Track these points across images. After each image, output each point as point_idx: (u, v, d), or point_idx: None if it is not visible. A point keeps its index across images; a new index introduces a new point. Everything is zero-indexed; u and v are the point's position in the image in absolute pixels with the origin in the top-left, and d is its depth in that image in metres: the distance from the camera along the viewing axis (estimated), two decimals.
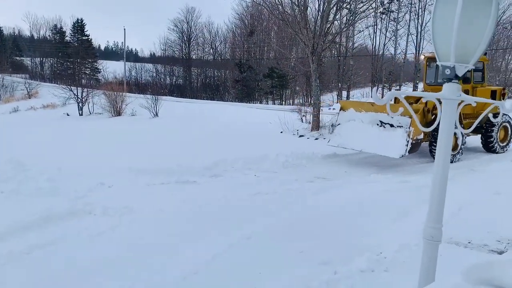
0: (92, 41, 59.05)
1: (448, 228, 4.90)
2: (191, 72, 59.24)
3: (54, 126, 17.06)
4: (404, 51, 37.91)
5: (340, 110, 10.52)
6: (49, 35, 62.70)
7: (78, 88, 23.18)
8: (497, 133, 10.99)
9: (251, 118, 17.79)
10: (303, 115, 15.39)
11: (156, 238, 4.86)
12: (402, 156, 8.86)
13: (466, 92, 10.29)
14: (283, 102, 43.12)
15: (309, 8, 15.28)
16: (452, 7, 2.06)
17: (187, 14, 59.18)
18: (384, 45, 38.82)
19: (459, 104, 2.31)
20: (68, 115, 22.50)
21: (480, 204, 6.16)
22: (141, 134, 13.16)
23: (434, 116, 9.71)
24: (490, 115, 2.61)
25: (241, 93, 45.16)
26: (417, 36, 36.32)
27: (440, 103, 2.33)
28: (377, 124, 9.48)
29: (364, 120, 9.75)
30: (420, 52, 35.81)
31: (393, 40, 38.26)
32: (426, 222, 2.32)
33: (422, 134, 9.20)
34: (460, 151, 9.99)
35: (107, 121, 18.51)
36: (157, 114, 19.21)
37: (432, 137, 9.67)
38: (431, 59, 11.38)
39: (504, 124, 11.28)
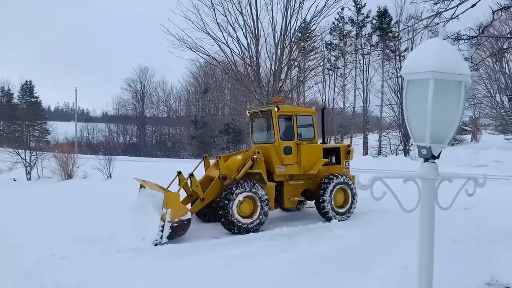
0: (42, 102, 57.93)
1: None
2: (145, 130, 58.85)
3: None
4: (352, 104, 39.83)
5: (140, 188, 9.30)
6: None
7: (26, 151, 22.22)
8: (330, 196, 9.25)
9: None
10: None
11: None
12: (157, 244, 7.29)
13: (290, 149, 9.31)
14: None
15: (261, 67, 15.91)
16: (423, 91, 2.07)
17: (141, 74, 59.92)
18: (333, 99, 40.67)
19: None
20: (15, 180, 21.25)
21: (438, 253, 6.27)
22: (92, 198, 12.55)
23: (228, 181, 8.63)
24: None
25: (197, 150, 45.00)
26: (363, 90, 38.47)
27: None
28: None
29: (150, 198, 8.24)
30: (368, 105, 37.82)
31: (341, 95, 40.26)
32: None
33: (189, 213, 7.83)
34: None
35: (56, 186, 17.62)
36: (110, 176, 18.57)
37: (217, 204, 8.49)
38: (254, 115, 10.38)
39: (340, 186, 9.48)
